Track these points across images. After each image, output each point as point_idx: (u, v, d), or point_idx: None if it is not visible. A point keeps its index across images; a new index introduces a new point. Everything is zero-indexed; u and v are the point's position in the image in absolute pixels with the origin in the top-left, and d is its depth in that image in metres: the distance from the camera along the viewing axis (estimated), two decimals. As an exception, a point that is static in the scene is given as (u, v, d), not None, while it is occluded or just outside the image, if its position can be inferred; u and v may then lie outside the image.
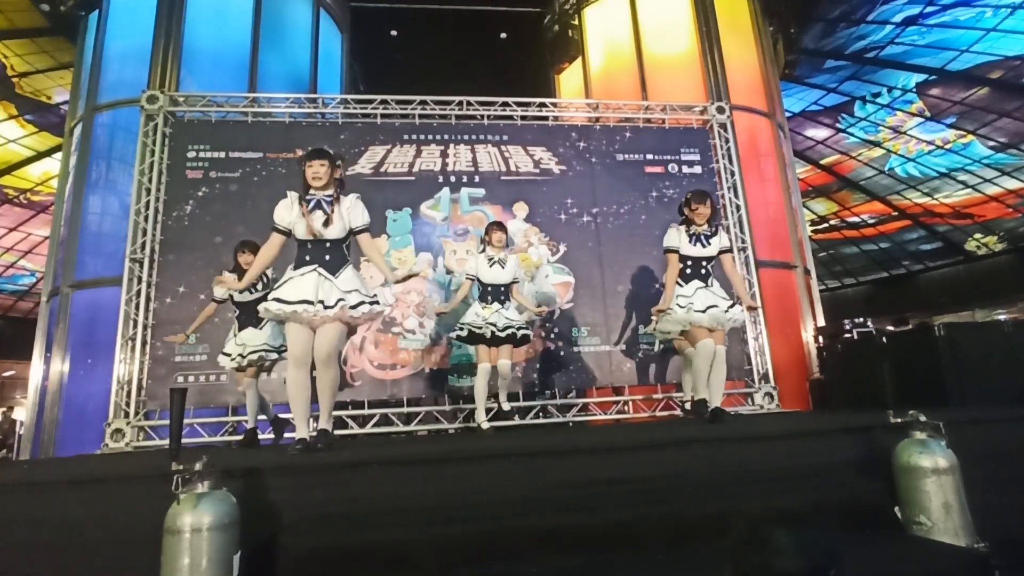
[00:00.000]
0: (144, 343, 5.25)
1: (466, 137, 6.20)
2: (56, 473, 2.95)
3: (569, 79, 9.47)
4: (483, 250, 4.56)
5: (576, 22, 9.00)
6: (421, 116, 6.27)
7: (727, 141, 6.58)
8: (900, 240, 16.79)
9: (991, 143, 12.70)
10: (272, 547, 1.97)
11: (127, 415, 5.09)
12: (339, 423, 5.22)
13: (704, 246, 3.98)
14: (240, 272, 4.35)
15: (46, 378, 6.04)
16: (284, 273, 3.26)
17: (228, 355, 4.32)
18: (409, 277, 3.45)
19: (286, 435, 4.39)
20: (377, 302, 3.24)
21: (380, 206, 5.80)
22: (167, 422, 4.26)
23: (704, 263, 4.01)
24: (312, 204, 3.16)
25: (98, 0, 7.25)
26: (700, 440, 2.92)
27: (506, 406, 4.69)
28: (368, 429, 5.47)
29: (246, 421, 4.50)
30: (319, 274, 3.10)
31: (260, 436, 4.45)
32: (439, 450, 3.01)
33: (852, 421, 3.10)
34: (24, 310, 16.94)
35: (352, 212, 3.22)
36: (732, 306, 3.94)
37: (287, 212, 3.18)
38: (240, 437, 4.66)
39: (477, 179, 6.09)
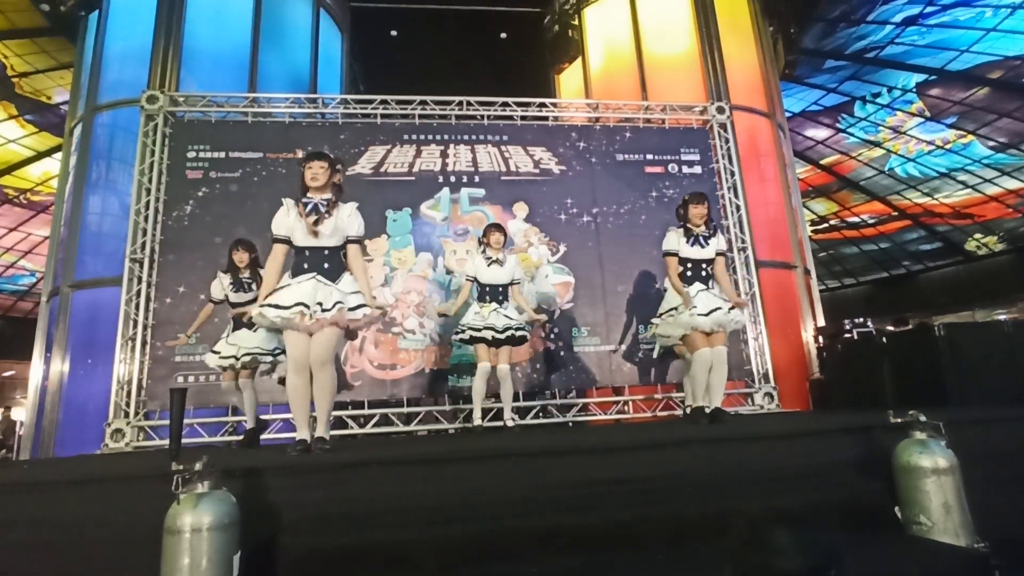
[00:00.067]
0: (144, 343, 5.25)
1: (466, 137, 6.20)
2: (56, 473, 2.94)
3: (569, 79, 9.47)
4: (482, 251, 4.57)
5: (576, 22, 9.00)
6: (421, 116, 6.27)
7: (727, 141, 6.58)
8: (900, 240, 16.79)
9: (991, 143, 12.70)
10: (272, 547, 1.97)
11: (127, 415, 5.09)
12: (339, 423, 5.23)
13: (703, 247, 3.99)
14: (233, 269, 4.36)
15: (46, 378, 6.04)
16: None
17: (217, 353, 4.29)
18: (383, 312, 3.39)
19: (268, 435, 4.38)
20: (381, 309, 3.23)
21: (380, 206, 5.81)
22: (167, 422, 4.26)
23: (704, 265, 4.01)
24: (309, 207, 3.15)
25: (98, 0, 7.25)
26: (700, 440, 2.92)
27: (510, 422, 4.57)
28: (368, 429, 5.47)
29: (245, 421, 4.51)
30: (318, 281, 3.08)
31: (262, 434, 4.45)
32: (439, 450, 3.01)
33: (852, 421, 3.10)
34: (24, 310, 16.94)
35: (350, 221, 3.19)
36: (733, 308, 3.94)
37: (285, 219, 3.15)
38: (240, 437, 4.66)
39: (477, 179, 6.09)
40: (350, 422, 5.44)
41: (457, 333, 4.51)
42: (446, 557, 2.01)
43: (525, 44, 10.12)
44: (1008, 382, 4.19)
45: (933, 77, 11.70)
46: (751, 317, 6.11)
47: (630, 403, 5.90)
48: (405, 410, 5.55)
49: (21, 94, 10.93)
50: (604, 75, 8.45)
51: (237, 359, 4.18)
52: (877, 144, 13.85)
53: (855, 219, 16.56)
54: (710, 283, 3.99)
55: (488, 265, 4.45)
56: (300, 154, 5.62)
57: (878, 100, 12.68)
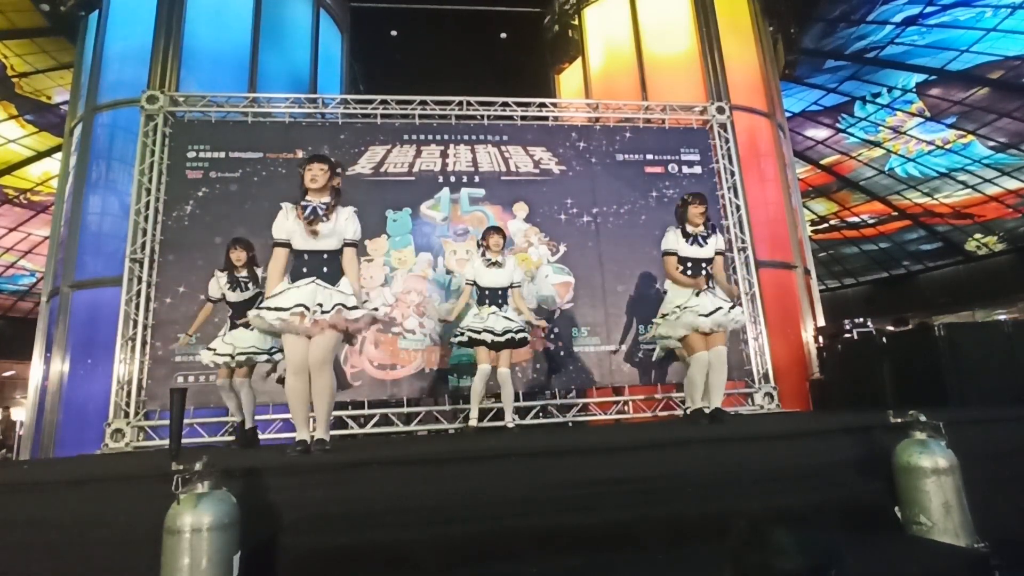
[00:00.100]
0: (144, 343, 5.26)
1: (466, 137, 6.21)
2: (56, 473, 2.94)
3: (569, 79, 9.47)
4: (482, 254, 4.56)
5: (576, 22, 9.00)
6: (421, 116, 6.27)
7: (727, 141, 6.58)
8: (900, 240, 16.79)
9: (991, 143, 12.70)
10: (272, 547, 1.96)
11: (127, 415, 5.09)
12: (339, 423, 5.23)
13: (701, 246, 4.00)
14: (230, 268, 4.36)
15: (46, 378, 6.04)
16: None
17: (212, 350, 4.28)
18: (374, 319, 3.39)
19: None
20: (376, 309, 3.23)
21: (380, 206, 5.81)
22: (167, 422, 4.26)
23: (703, 264, 4.02)
24: (308, 210, 3.16)
25: (98, 0, 7.25)
26: (700, 440, 2.91)
27: (511, 424, 4.56)
28: (368, 429, 5.47)
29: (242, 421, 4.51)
30: (317, 284, 3.09)
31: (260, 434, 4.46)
32: (439, 450, 3.01)
33: (852, 421, 3.10)
34: (24, 310, 16.95)
35: (348, 224, 3.20)
36: (733, 307, 3.95)
37: (284, 222, 3.16)
38: (233, 438, 4.66)
39: (477, 179, 6.09)
40: (350, 422, 5.44)
41: (456, 336, 4.51)
42: (446, 557, 2.01)
43: (525, 44, 10.12)
44: (1008, 382, 4.19)
45: (933, 77, 11.70)
46: (751, 317, 6.11)
47: (630, 403, 5.90)
48: (405, 410, 5.55)
49: (21, 94, 10.93)
50: (604, 75, 8.45)
51: (232, 357, 4.18)
52: (877, 144, 13.85)
53: (855, 219, 16.56)
54: (711, 283, 4.00)
55: (487, 268, 4.45)
56: (300, 154, 5.63)
57: (878, 100, 12.68)
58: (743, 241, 6.33)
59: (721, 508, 2.22)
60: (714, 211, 6.13)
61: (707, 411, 3.89)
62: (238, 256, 4.34)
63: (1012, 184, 13.56)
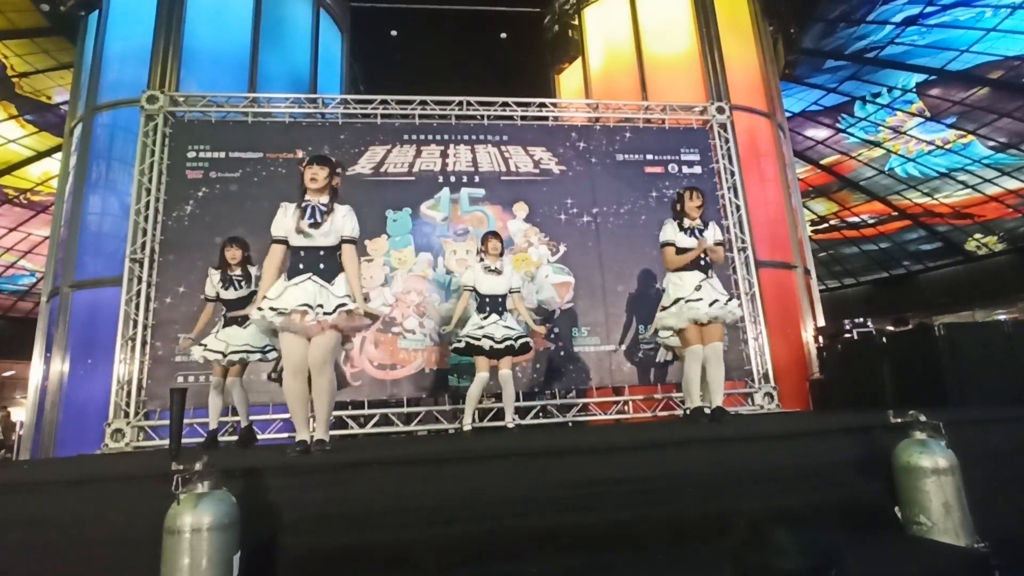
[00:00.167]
0: (144, 343, 5.26)
1: (466, 137, 6.21)
2: (56, 473, 2.94)
3: (569, 79, 9.47)
4: (480, 259, 4.55)
5: (576, 22, 9.01)
6: (421, 116, 6.27)
7: (727, 141, 6.58)
8: (900, 240, 16.79)
9: (991, 143, 12.69)
10: (272, 547, 1.96)
11: (127, 415, 5.10)
12: (339, 423, 5.23)
13: (698, 238, 4.01)
14: (224, 266, 4.37)
15: (46, 378, 6.04)
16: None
17: (203, 345, 4.27)
18: (374, 316, 3.39)
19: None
20: (374, 311, 3.24)
21: (380, 206, 5.81)
22: (167, 422, 4.26)
23: (702, 255, 4.03)
24: (307, 211, 3.17)
25: (98, 0, 7.26)
26: (700, 440, 2.91)
27: (511, 424, 4.54)
28: (368, 429, 5.47)
29: (240, 421, 4.52)
30: (314, 282, 3.09)
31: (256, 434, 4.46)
32: (439, 450, 3.01)
33: (852, 421, 3.10)
34: (24, 310, 16.94)
35: (345, 221, 3.21)
36: (729, 300, 3.99)
37: (283, 220, 3.19)
38: (237, 437, 4.66)
39: (477, 179, 6.09)
40: (350, 422, 5.44)
41: (454, 343, 4.49)
42: (446, 557, 2.01)
43: (525, 44, 10.13)
44: (1008, 382, 4.19)
45: (933, 77, 11.70)
46: (751, 317, 6.12)
47: (630, 403, 5.90)
48: (405, 410, 5.55)
49: (21, 94, 10.93)
50: (604, 75, 8.45)
51: (224, 355, 4.19)
52: (877, 144, 13.85)
53: (855, 219, 16.56)
54: (709, 272, 4.01)
55: (486, 274, 4.42)
56: (300, 154, 5.63)
57: (878, 100, 12.67)
58: (743, 241, 6.33)
59: (721, 508, 2.22)
60: (714, 211, 6.13)
61: (708, 410, 3.89)
62: (233, 254, 4.35)
63: (1012, 184, 13.55)
